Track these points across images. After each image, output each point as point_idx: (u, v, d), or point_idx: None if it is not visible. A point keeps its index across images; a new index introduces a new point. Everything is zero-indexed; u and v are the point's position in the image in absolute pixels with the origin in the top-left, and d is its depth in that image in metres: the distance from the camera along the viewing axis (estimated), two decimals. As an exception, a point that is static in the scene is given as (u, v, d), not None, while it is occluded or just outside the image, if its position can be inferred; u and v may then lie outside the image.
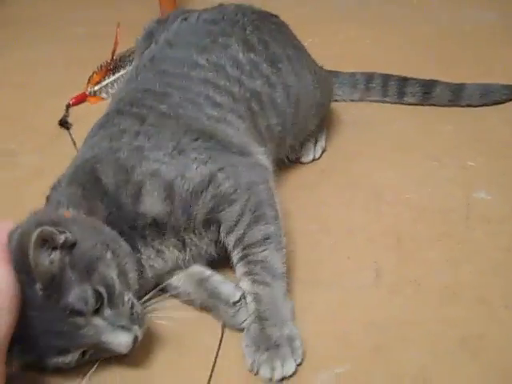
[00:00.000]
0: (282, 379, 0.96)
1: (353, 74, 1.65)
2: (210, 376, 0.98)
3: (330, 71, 1.58)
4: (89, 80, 1.80)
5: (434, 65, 1.77)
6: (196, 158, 1.09)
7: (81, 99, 1.77)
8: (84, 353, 0.94)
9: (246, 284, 1.05)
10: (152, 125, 1.13)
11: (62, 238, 0.91)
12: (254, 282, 1.04)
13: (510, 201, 1.26)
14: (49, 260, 0.90)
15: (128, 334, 0.93)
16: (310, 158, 1.44)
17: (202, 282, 1.09)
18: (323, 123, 1.49)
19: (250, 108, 1.25)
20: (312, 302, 1.08)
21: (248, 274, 1.05)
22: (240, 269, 1.06)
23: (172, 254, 1.08)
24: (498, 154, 1.41)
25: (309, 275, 1.13)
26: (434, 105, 1.60)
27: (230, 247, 1.09)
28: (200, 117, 1.18)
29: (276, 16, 1.44)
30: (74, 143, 1.56)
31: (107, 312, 0.93)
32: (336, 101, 1.61)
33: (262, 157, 1.22)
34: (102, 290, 0.92)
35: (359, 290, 1.10)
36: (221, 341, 1.04)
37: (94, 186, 1.06)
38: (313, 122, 1.41)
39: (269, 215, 1.09)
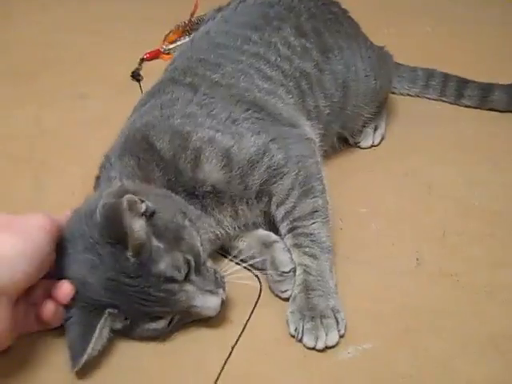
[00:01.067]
0: (325, 348, 0.99)
1: (414, 69, 1.65)
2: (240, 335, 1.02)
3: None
4: (165, 38, 1.85)
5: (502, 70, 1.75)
6: (249, 128, 1.12)
7: (155, 55, 1.82)
8: (171, 320, 0.97)
9: (295, 255, 1.09)
10: (205, 94, 1.15)
11: (143, 207, 0.93)
12: (304, 253, 1.08)
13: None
14: (139, 225, 0.91)
15: (216, 297, 0.97)
16: (369, 143, 1.46)
17: (266, 245, 1.12)
18: (383, 111, 1.50)
19: (300, 86, 1.27)
20: (351, 279, 1.11)
21: (298, 246, 1.09)
22: (289, 240, 1.10)
23: (229, 223, 1.12)
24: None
25: (352, 253, 1.16)
26: (491, 109, 1.59)
27: (278, 219, 1.12)
28: (251, 88, 1.20)
29: (336, 3, 1.45)
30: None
31: (195, 278, 0.96)
32: (393, 93, 1.62)
33: (310, 130, 1.24)
34: (190, 257, 0.95)
35: (398, 275, 1.13)
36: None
37: (149, 154, 1.07)
38: (368, 108, 1.41)
39: (317, 189, 1.13)
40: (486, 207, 1.29)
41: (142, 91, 1.65)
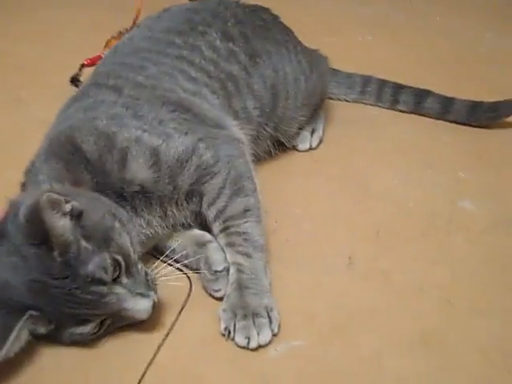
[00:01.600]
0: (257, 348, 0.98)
1: (350, 75, 1.67)
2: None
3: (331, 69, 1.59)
4: (106, 44, 1.83)
5: (443, 80, 1.78)
6: (176, 128, 1.11)
7: (95, 61, 1.78)
8: (102, 323, 0.95)
9: (228, 254, 1.08)
10: (130, 96, 1.14)
11: (68, 207, 0.91)
12: (237, 252, 1.08)
13: (492, 214, 1.29)
14: (62, 224, 0.89)
15: (147, 300, 0.95)
16: (307, 146, 1.47)
17: (200, 245, 1.12)
18: (320, 114, 1.52)
19: (225, 87, 1.27)
20: (283, 279, 1.11)
21: (231, 245, 1.08)
22: (222, 240, 1.10)
23: (158, 223, 1.10)
24: (490, 170, 1.43)
25: (285, 254, 1.16)
26: (424, 115, 1.61)
27: (210, 219, 1.11)
28: (176, 89, 1.20)
29: (267, 10, 1.46)
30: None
31: (125, 280, 0.95)
32: (331, 99, 1.64)
33: (237, 130, 1.24)
34: (120, 258, 0.94)
35: (331, 275, 1.13)
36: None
37: (76, 156, 1.05)
38: (301, 111, 1.42)
39: (248, 188, 1.13)
40: (420, 208, 1.30)
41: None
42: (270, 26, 1.42)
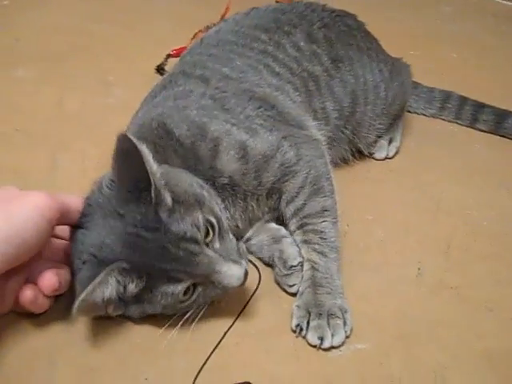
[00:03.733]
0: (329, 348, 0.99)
1: (431, 90, 1.66)
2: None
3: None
4: (193, 36, 1.86)
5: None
6: (262, 125, 1.13)
7: (181, 52, 1.83)
8: (194, 289, 0.94)
9: (304, 251, 1.10)
10: (217, 88, 1.16)
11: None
12: (313, 250, 1.09)
13: None
14: (154, 163, 0.90)
15: (239, 266, 0.95)
16: (383, 155, 1.47)
17: (275, 239, 1.13)
18: (399, 124, 1.52)
19: (307, 86, 1.29)
20: (352, 282, 1.11)
21: (307, 242, 1.10)
22: (299, 236, 1.11)
23: (239, 217, 1.12)
24: None
25: (356, 258, 1.17)
26: (504, 136, 1.60)
27: (288, 216, 1.13)
28: (261, 83, 1.22)
29: (353, 16, 1.48)
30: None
31: (217, 245, 0.95)
32: (409, 112, 1.64)
33: (316, 131, 1.25)
34: (213, 219, 0.95)
35: (399, 283, 1.13)
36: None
37: (167, 140, 1.06)
38: (380, 119, 1.43)
39: (327, 189, 1.13)
40: (494, 228, 1.29)
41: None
42: (354, 32, 1.43)
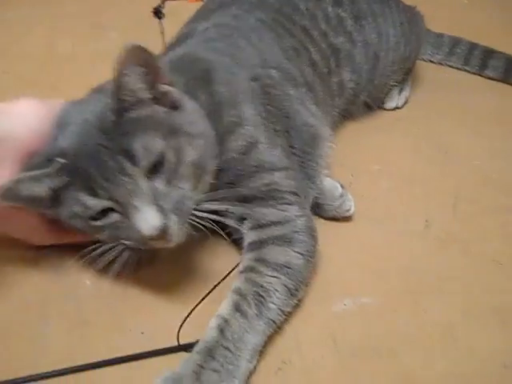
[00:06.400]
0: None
1: (440, 35, 1.60)
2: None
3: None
4: (191, -22, 1.79)
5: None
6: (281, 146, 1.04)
7: (179, -6, 1.77)
8: (105, 214, 0.83)
9: (224, 302, 0.87)
10: (268, 76, 1.08)
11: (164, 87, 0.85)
12: (233, 304, 0.86)
13: None
14: (138, 82, 0.82)
15: (162, 217, 0.80)
16: (393, 105, 1.41)
17: None
18: (410, 73, 1.45)
19: (329, 65, 1.22)
20: (357, 234, 1.08)
21: (237, 292, 0.88)
22: (237, 281, 0.90)
23: None
24: None
25: (360, 209, 1.11)
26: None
27: (245, 244, 0.96)
28: (305, 71, 1.16)
29: None
30: (162, 34, 1.56)
31: (158, 185, 0.83)
32: (415, 58, 1.57)
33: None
34: (171, 159, 0.83)
35: (405, 236, 1.09)
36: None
37: (203, 84, 0.97)
38: (395, 76, 1.37)
39: (306, 248, 0.94)
40: (504, 180, 1.23)
41: (161, 29, 1.60)
42: None
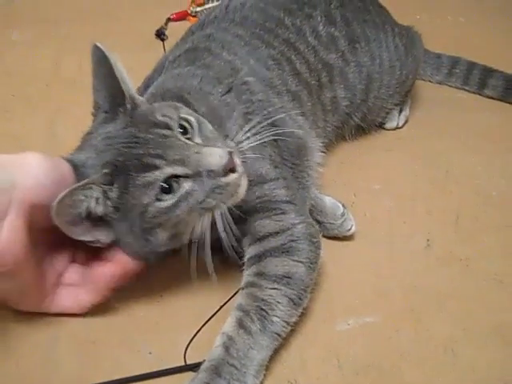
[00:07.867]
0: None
1: (438, 56, 1.61)
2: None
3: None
4: (193, 0, 1.82)
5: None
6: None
7: (181, 16, 1.79)
8: (178, 183, 0.84)
9: (227, 321, 0.89)
10: (244, 83, 1.10)
11: None
12: (236, 321, 0.87)
13: None
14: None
15: (222, 148, 0.85)
16: (394, 124, 1.43)
17: None
18: (409, 94, 1.47)
19: (320, 79, 1.22)
20: (360, 253, 1.10)
21: (240, 309, 0.89)
22: (238, 297, 0.92)
23: None
24: None
25: (362, 228, 1.13)
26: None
27: (246, 259, 0.96)
28: (288, 80, 1.17)
29: None
30: (165, 55, 1.59)
31: (197, 140, 0.87)
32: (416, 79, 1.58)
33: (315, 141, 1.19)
34: (192, 119, 0.89)
35: (408, 254, 1.11)
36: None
37: (184, 104, 0.97)
38: (392, 100, 1.37)
39: (306, 254, 0.94)
40: (504, 198, 1.25)
41: (165, 50, 1.62)
42: (368, 7, 1.36)
